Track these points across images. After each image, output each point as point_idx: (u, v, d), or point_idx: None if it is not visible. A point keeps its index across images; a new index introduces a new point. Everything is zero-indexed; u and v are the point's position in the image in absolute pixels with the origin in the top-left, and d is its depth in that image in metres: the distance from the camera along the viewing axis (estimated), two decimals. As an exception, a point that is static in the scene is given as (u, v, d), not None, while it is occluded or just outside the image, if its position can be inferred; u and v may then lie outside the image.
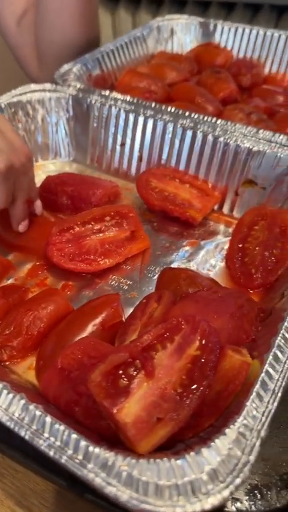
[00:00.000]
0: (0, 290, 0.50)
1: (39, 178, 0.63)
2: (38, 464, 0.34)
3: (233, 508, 0.34)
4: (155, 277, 0.51)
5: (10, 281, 0.53)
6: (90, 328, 0.44)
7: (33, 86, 0.68)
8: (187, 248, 0.55)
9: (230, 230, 0.57)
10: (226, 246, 0.55)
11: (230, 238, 0.55)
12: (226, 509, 0.34)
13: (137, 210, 0.60)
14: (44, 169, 0.69)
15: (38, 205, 0.60)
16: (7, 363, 0.44)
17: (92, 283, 0.52)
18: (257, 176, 0.56)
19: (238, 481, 0.27)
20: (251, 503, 0.35)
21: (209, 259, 0.54)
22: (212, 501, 0.26)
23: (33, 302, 0.47)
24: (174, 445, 0.33)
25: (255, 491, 0.35)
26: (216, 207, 0.60)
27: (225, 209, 0.60)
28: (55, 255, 0.51)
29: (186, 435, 0.33)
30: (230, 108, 0.70)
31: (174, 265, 0.53)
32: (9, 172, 0.50)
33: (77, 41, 0.80)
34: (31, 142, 0.69)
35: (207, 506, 0.26)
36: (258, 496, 0.35)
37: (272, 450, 0.38)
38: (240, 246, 0.53)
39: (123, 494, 0.26)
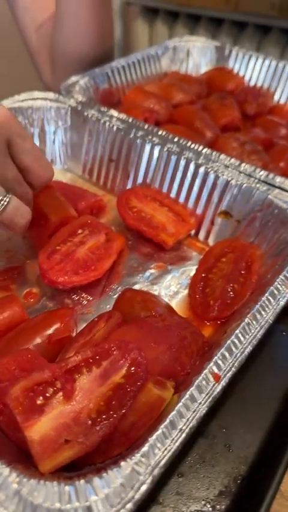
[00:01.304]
0: None
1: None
2: None
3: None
4: (116, 296, 0.52)
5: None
6: (37, 340, 0.45)
7: (36, 94, 0.70)
8: (153, 271, 0.56)
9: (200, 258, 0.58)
10: (192, 274, 0.55)
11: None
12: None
13: (116, 227, 0.61)
14: (36, 175, 0.71)
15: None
16: None
17: (55, 294, 0.53)
18: (232, 208, 0.56)
19: (117, 516, 0.27)
20: (153, 536, 0.35)
21: (172, 285, 0.54)
22: (87, 531, 0.27)
23: (-10, 306, 0.48)
24: (83, 467, 0.34)
25: (161, 525, 0.36)
26: (192, 233, 0.61)
27: (201, 236, 0.60)
28: (59, 277, 0.51)
29: (96, 459, 0.34)
30: (225, 136, 0.71)
31: (136, 286, 0.54)
32: None
33: (89, 53, 0.82)
34: (29, 147, 0.71)
35: (81, 536, 0.26)
36: (163, 529, 0.36)
37: (189, 485, 0.38)
38: (203, 275, 0.53)
39: (5, 510, 0.27)
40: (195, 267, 0.56)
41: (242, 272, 0.51)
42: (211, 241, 0.60)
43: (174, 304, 0.52)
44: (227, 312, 0.49)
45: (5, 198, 0.45)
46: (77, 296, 0.53)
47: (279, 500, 0.38)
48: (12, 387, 0.34)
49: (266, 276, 0.49)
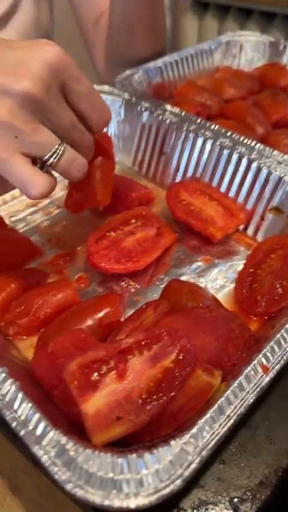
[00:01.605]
0: (23, 272, 0.55)
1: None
2: (10, 432, 0.38)
3: (175, 516, 0.36)
4: (163, 285, 0.53)
5: (34, 265, 0.57)
6: (88, 322, 0.47)
7: (95, 87, 0.72)
8: (200, 264, 0.57)
9: (249, 253, 0.58)
10: (240, 268, 0.56)
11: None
12: (169, 515, 0.36)
13: (164, 219, 0.62)
14: (88, 166, 0.74)
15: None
16: (12, 338, 0.48)
17: (104, 280, 0.55)
18: (284, 205, 0.56)
19: (167, 490, 0.29)
20: (194, 516, 0.36)
21: (219, 279, 0.55)
22: (138, 502, 0.28)
23: (46, 288, 0.51)
24: (131, 445, 0.35)
25: (202, 507, 0.37)
26: (241, 228, 0.61)
27: (250, 231, 0.61)
28: (101, 261, 0.53)
29: (144, 438, 0.36)
30: (277, 133, 0.70)
31: (183, 278, 0.55)
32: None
33: (141, 51, 0.84)
34: (82, 138, 0.73)
35: (132, 506, 0.28)
36: (204, 511, 0.37)
37: (231, 472, 0.39)
38: (251, 270, 0.53)
39: (63, 475, 0.29)
40: (243, 261, 0.56)
41: (291, 269, 0.51)
42: (260, 237, 0.60)
43: (220, 297, 0.52)
44: (274, 308, 0.49)
45: (59, 147, 0.42)
46: (125, 284, 0.55)
47: None
48: (69, 363, 0.36)
49: (315, 274, 0.48)
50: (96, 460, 0.30)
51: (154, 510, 0.33)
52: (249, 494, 0.38)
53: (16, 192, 0.68)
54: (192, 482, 0.38)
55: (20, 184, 0.41)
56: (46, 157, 0.41)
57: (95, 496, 0.28)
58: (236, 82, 0.85)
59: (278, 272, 0.51)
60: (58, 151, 0.42)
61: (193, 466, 0.30)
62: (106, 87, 0.73)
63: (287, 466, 0.40)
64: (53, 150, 0.41)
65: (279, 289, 0.50)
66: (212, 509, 0.37)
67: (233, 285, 0.54)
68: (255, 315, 0.50)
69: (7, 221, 0.62)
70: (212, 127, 0.63)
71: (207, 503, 0.37)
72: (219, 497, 0.38)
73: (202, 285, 0.54)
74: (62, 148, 0.42)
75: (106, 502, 0.28)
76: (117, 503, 0.28)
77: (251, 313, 0.51)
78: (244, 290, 0.52)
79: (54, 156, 0.42)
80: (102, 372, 0.36)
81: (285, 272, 0.51)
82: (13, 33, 0.81)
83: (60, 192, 0.68)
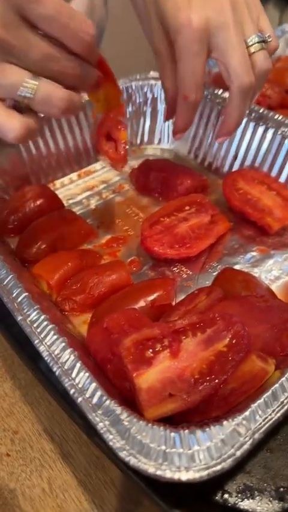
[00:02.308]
0: (79, 252, 0.57)
1: (139, 161, 0.68)
2: (64, 401, 0.40)
3: (220, 498, 0.36)
4: (215, 273, 0.53)
5: (90, 246, 0.59)
6: (141, 303, 0.48)
7: (152, 73, 0.72)
8: (255, 254, 0.56)
9: (307, 246, 0.57)
10: (296, 261, 0.55)
11: (302, 254, 0.55)
12: (214, 496, 0.36)
13: (219, 208, 0.62)
14: (144, 153, 0.74)
15: None
16: (67, 313, 0.50)
17: (156, 265, 0.56)
18: None
19: (219, 467, 0.29)
20: (239, 500, 0.36)
21: (274, 270, 0.54)
22: (189, 476, 0.29)
23: (101, 268, 0.52)
24: (181, 423, 0.36)
25: (248, 492, 0.37)
26: (298, 221, 0.60)
27: (308, 224, 0.59)
28: (155, 246, 0.54)
29: (194, 418, 0.36)
30: None
31: (237, 267, 0.54)
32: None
33: None
34: (140, 125, 0.74)
35: (183, 478, 0.29)
36: (249, 497, 0.37)
37: (278, 462, 0.39)
38: (309, 264, 0.52)
39: (117, 443, 0.30)
40: (300, 254, 0.55)
41: None
42: None
43: (274, 289, 0.52)
44: None
45: (30, 84, 0.37)
46: (177, 269, 0.55)
47: None
48: (124, 339, 0.37)
49: None
50: (149, 432, 0.31)
51: (199, 490, 0.34)
52: (296, 485, 0.38)
53: (74, 175, 0.70)
54: (238, 467, 0.39)
55: None
56: (17, 97, 0.38)
57: (148, 466, 0.29)
58: (299, 72, 0.82)
59: None
60: (29, 89, 0.37)
61: (245, 447, 0.30)
62: (166, 74, 0.73)
63: None
64: (23, 88, 0.37)
65: None
66: (258, 495, 0.37)
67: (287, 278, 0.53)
68: (310, 308, 0.49)
69: (65, 203, 0.64)
70: (275, 117, 0.61)
71: (252, 489, 0.37)
72: (265, 484, 0.38)
73: (256, 275, 0.53)
74: (35, 84, 0.37)
75: (158, 472, 0.29)
76: (168, 474, 0.29)
77: (305, 307, 0.49)
78: (300, 282, 0.51)
79: (26, 95, 0.37)
80: (156, 349, 0.36)
81: None
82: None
83: (116, 177, 0.70)
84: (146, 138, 0.75)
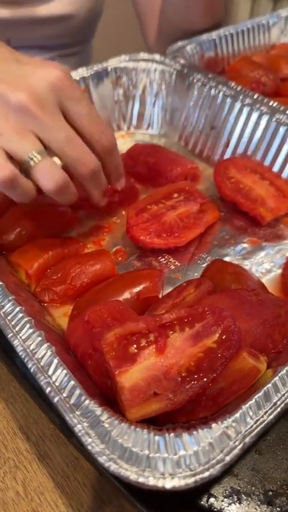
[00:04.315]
0: (61, 240, 0.54)
1: (127, 146, 0.65)
2: (41, 398, 0.37)
3: (206, 503, 0.34)
4: (204, 265, 0.51)
5: (72, 234, 0.56)
6: (126, 295, 0.45)
7: (142, 55, 0.69)
8: (246, 245, 0.54)
9: (300, 238, 0.55)
10: (288, 254, 0.52)
11: (295, 246, 0.53)
12: (199, 501, 0.34)
13: (209, 197, 0.59)
14: (133, 138, 0.71)
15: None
16: (46, 305, 0.47)
17: (143, 255, 0.53)
18: None
19: (206, 474, 0.27)
20: (226, 505, 0.34)
21: (265, 262, 0.52)
22: (174, 483, 0.26)
23: (84, 257, 0.50)
24: (165, 424, 0.34)
25: (235, 496, 0.35)
26: (291, 212, 0.57)
27: (301, 216, 0.57)
28: (141, 235, 0.51)
29: (180, 418, 0.34)
30: None
31: (227, 258, 0.52)
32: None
33: (196, 25, 0.80)
34: (128, 109, 0.71)
35: (168, 486, 0.26)
36: (236, 501, 0.35)
37: (267, 464, 0.37)
38: (302, 256, 0.50)
39: (96, 447, 0.28)
40: (292, 246, 0.53)
41: None
42: (311, 223, 0.56)
43: (265, 282, 0.49)
44: None
45: (38, 155, 0.40)
46: (165, 260, 0.53)
47: None
48: (107, 333, 0.34)
49: None
50: (132, 435, 0.29)
51: (183, 494, 0.32)
52: (285, 488, 0.36)
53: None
54: (225, 471, 0.36)
55: None
56: (24, 160, 0.41)
57: (129, 472, 0.27)
58: (294, 59, 0.79)
59: None
60: (35, 158, 0.41)
61: (235, 452, 0.28)
62: (157, 57, 0.70)
63: None
64: (30, 155, 0.40)
65: None
66: (245, 499, 0.35)
67: (280, 271, 0.51)
68: (302, 303, 0.47)
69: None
70: (270, 103, 0.59)
71: (240, 493, 0.35)
72: (253, 488, 0.36)
73: (247, 268, 0.51)
74: (41, 157, 0.41)
75: (141, 479, 0.26)
76: (152, 481, 0.26)
77: (297, 301, 0.47)
78: (292, 276, 0.49)
79: (30, 160, 0.41)
80: (141, 345, 0.34)
81: None
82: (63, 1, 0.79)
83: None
84: (134, 123, 0.72)
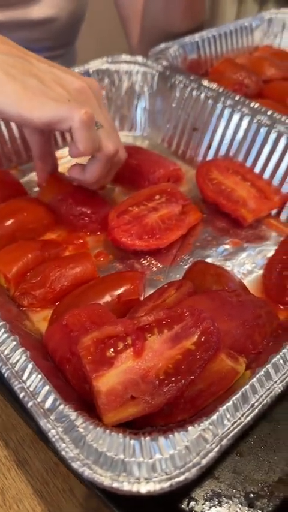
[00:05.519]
0: (41, 243, 0.53)
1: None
2: (18, 404, 0.36)
3: (186, 506, 0.34)
4: (186, 266, 0.50)
5: (53, 236, 0.55)
6: (106, 298, 0.45)
7: (124, 57, 0.69)
8: (228, 247, 0.54)
9: (281, 239, 0.55)
10: (270, 255, 0.52)
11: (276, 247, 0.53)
12: (180, 504, 0.34)
13: (191, 199, 0.59)
14: (116, 140, 0.71)
15: None
16: (26, 309, 0.47)
17: (125, 257, 0.53)
18: None
19: (182, 478, 0.27)
20: (207, 508, 0.34)
21: (247, 263, 0.52)
22: (149, 488, 0.26)
23: (64, 260, 0.49)
24: (143, 428, 0.33)
25: (216, 498, 0.35)
26: (274, 212, 0.57)
27: (283, 217, 0.57)
28: (122, 237, 0.51)
29: (158, 421, 0.34)
30: None
31: (209, 260, 0.52)
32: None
33: (178, 27, 0.80)
34: (111, 111, 0.70)
35: (143, 491, 0.26)
36: (217, 504, 0.34)
37: (248, 466, 0.37)
38: (284, 257, 0.50)
39: (70, 452, 0.27)
40: (274, 248, 0.53)
41: None
42: (293, 224, 0.56)
43: (246, 283, 0.49)
44: (305, 297, 0.46)
45: (98, 124, 0.47)
46: (146, 262, 0.52)
47: None
48: (84, 337, 0.34)
49: None
50: (107, 440, 0.28)
51: (163, 498, 0.31)
52: (266, 490, 0.35)
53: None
54: (206, 472, 0.36)
55: None
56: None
57: (103, 477, 0.26)
58: (276, 62, 0.80)
59: (311, 260, 0.48)
60: (98, 124, 0.48)
61: (211, 454, 0.28)
62: (139, 58, 0.69)
63: (310, 465, 0.37)
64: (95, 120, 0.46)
65: (312, 278, 0.47)
66: (226, 502, 0.34)
67: (261, 272, 0.51)
68: (284, 303, 0.47)
69: (29, 191, 0.60)
70: (251, 104, 0.59)
71: (220, 496, 0.35)
72: (234, 490, 0.35)
73: (229, 269, 0.51)
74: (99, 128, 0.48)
75: (115, 485, 0.26)
76: (126, 486, 0.26)
77: (279, 302, 0.47)
78: (273, 276, 0.49)
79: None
80: (118, 348, 0.33)
81: None
82: (48, 2, 0.78)
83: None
84: (117, 125, 0.71)
